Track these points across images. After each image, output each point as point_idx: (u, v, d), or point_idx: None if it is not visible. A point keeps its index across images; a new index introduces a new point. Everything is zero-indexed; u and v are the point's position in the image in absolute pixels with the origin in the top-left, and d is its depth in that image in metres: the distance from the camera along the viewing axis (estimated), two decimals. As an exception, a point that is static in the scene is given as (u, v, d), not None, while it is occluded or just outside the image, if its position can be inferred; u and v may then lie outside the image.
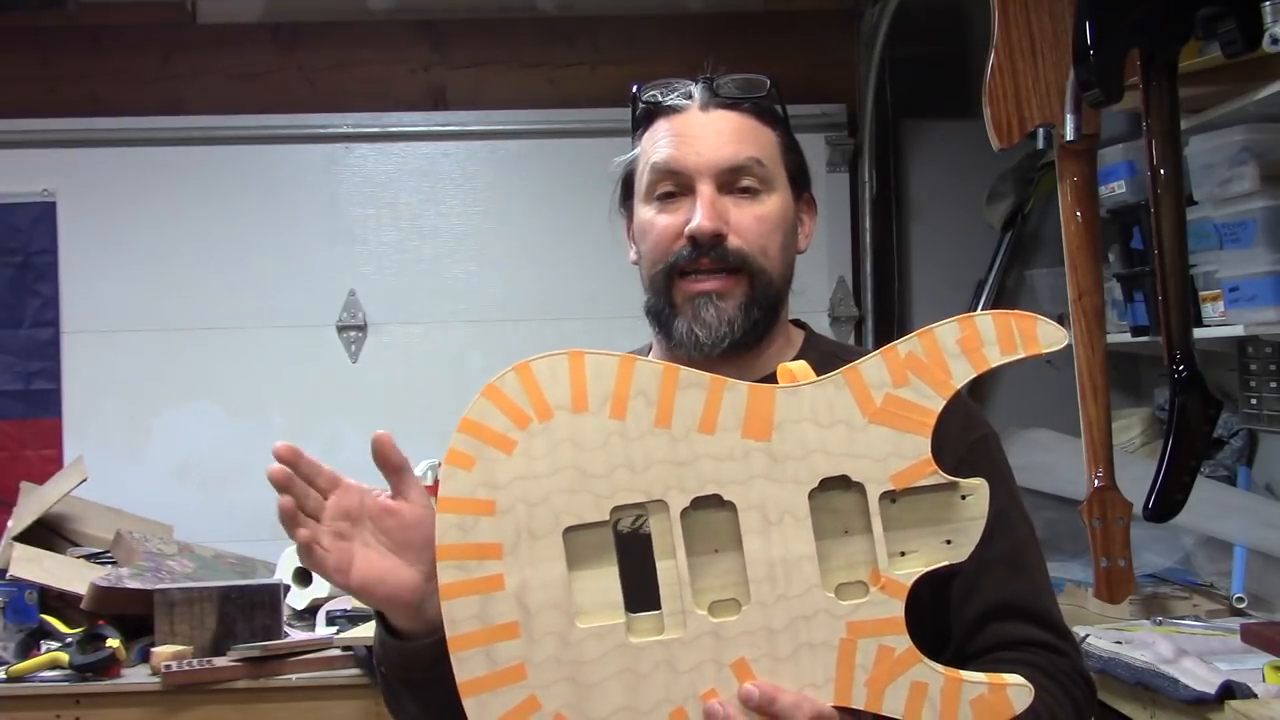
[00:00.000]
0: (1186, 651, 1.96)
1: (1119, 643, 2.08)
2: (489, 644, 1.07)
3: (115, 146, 3.24)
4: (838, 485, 1.09)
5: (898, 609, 1.08)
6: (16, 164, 3.21)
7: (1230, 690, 1.81)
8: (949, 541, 1.09)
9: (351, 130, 3.30)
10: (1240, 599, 2.31)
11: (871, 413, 1.09)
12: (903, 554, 1.09)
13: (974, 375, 1.09)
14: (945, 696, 1.06)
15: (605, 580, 1.09)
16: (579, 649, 1.07)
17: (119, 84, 3.28)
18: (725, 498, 1.09)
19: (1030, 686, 1.07)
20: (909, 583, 1.08)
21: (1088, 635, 2.13)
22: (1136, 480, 2.03)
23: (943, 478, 1.09)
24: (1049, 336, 1.09)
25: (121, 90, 3.28)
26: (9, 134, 3.22)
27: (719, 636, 1.08)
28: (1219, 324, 2.28)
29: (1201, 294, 2.32)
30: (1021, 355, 1.09)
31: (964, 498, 1.09)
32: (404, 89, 3.35)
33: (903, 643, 1.07)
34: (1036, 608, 1.28)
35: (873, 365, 1.10)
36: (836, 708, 1.07)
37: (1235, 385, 2.61)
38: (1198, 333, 2.11)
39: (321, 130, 3.29)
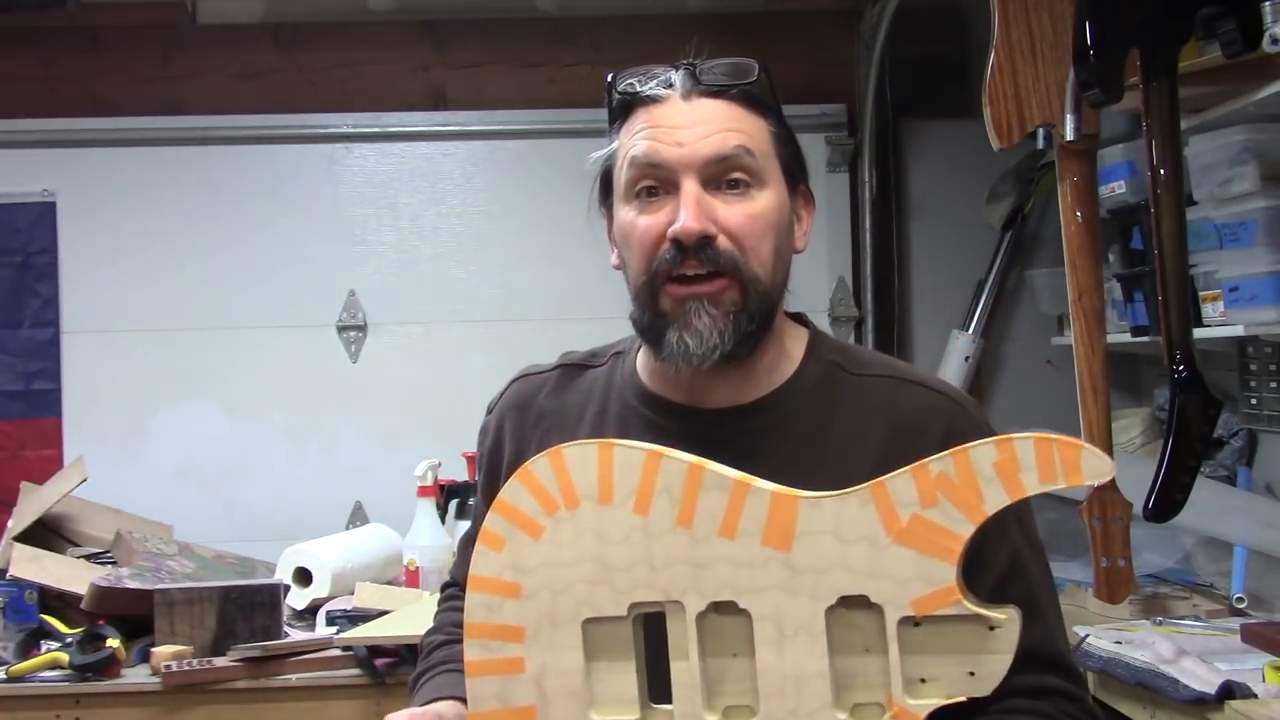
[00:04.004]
0: (1186, 651, 1.96)
1: (1119, 643, 2.08)
2: None
3: (115, 146, 3.24)
4: (858, 603, 1.05)
5: None
6: (16, 164, 3.21)
7: (1230, 690, 1.80)
8: (972, 673, 1.02)
9: (351, 130, 3.30)
10: (1240, 599, 2.30)
11: (896, 532, 1.03)
12: (923, 680, 1.03)
13: (1008, 503, 1.01)
14: None
15: (622, 673, 1.09)
16: None
17: (119, 84, 3.28)
18: (740, 605, 1.06)
19: None
20: (922, 715, 1.03)
21: (1088, 635, 2.13)
22: (1136, 480, 2.03)
23: (966, 608, 1.02)
24: (1093, 468, 1.00)
25: (121, 90, 3.27)
26: (9, 134, 3.22)
27: None
28: (1219, 324, 2.28)
29: (1201, 294, 2.32)
30: (1062, 485, 1.01)
31: (991, 629, 1.02)
32: (404, 89, 3.34)
33: None
34: (1051, 653, 1.22)
35: (902, 483, 1.03)
36: None
37: (1235, 385, 2.61)
38: (1198, 333, 2.10)
39: (321, 130, 3.29)
